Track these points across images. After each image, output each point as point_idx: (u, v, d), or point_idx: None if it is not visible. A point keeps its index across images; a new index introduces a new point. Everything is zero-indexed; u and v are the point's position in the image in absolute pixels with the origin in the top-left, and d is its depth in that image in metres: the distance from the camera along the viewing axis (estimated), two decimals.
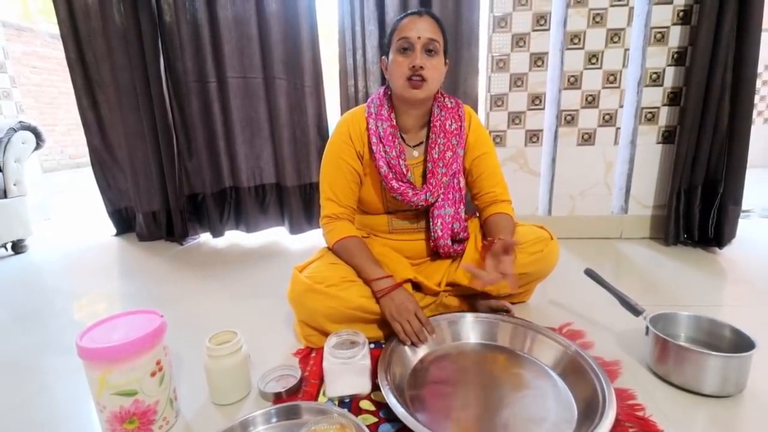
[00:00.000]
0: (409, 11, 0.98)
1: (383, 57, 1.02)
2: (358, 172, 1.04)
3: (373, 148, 1.00)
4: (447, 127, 1.02)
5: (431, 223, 1.05)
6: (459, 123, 1.04)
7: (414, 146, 1.06)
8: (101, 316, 0.72)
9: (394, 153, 1.00)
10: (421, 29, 0.92)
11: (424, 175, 1.05)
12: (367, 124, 1.02)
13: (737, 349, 0.77)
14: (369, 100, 1.06)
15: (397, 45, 0.94)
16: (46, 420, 0.78)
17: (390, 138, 1.00)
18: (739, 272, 1.44)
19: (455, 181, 1.06)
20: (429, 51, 0.93)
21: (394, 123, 1.02)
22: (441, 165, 1.02)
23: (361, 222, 1.15)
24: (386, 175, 1.00)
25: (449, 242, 1.05)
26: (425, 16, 0.94)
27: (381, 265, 0.97)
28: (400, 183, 1.01)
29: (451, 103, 1.05)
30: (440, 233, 1.04)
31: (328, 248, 1.05)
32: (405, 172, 1.00)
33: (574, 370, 0.79)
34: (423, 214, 1.09)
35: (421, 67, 0.92)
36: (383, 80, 1.74)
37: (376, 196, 1.07)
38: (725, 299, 1.27)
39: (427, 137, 1.04)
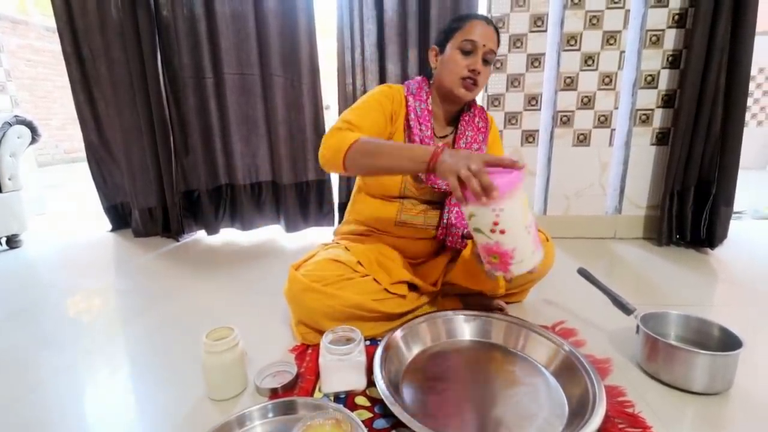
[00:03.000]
0: (475, 13, 1.00)
1: (434, 46, 1.04)
2: (389, 117, 1.02)
3: (411, 123, 1.02)
4: (476, 122, 1.08)
5: (445, 211, 1.05)
6: (485, 123, 1.09)
7: (441, 137, 1.08)
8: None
9: (428, 132, 1.02)
10: (488, 38, 0.96)
11: None
12: (407, 101, 1.04)
13: (725, 347, 0.79)
14: (406, 83, 1.08)
15: (461, 44, 0.96)
16: (41, 416, 0.78)
17: (426, 118, 1.03)
18: (729, 273, 1.46)
19: None
20: (486, 61, 0.97)
21: (430, 108, 1.05)
22: None
23: (368, 214, 1.12)
24: None
25: (460, 231, 1.06)
26: (491, 26, 0.98)
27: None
28: None
29: (480, 105, 1.12)
30: (454, 221, 1.05)
31: (344, 154, 0.86)
32: None
33: (566, 368, 0.81)
34: (433, 208, 1.08)
35: (478, 72, 0.96)
36: (381, 79, 1.74)
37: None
38: (715, 299, 1.29)
39: (456, 129, 1.08)
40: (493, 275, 0.80)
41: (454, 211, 1.05)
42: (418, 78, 1.08)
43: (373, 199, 1.11)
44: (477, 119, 1.08)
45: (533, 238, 0.75)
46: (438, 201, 1.08)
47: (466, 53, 0.96)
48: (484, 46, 0.95)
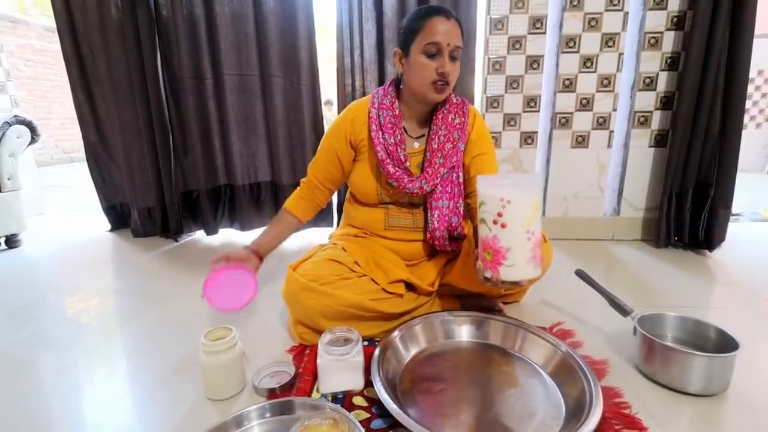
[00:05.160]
0: (433, 7, 0.96)
1: (397, 49, 0.99)
2: (340, 157, 1.07)
3: (372, 134, 1.01)
4: (450, 120, 1.03)
5: (428, 215, 1.05)
6: (462, 118, 1.04)
7: (416, 138, 1.07)
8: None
9: (392, 140, 1.00)
10: (451, 35, 0.92)
11: (422, 166, 1.06)
12: (369, 112, 1.03)
13: (722, 349, 0.79)
14: (372, 94, 1.07)
15: (424, 48, 0.92)
16: (40, 415, 0.78)
17: (389, 126, 1.00)
18: (727, 275, 1.47)
19: (454, 175, 1.06)
20: (453, 58, 0.94)
21: (397, 113, 1.02)
22: (439, 155, 1.02)
23: (357, 219, 1.14)
24: (383, 160, 1.00)
25: (445, 234, 1.05)
26: (453, 20, 0.93)
27: (273, 239, 1.11)
28: (397, 168, 1.01)
29: (457, 99, 1.07)
30: (437, 224, 1.04)
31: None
32: (403, 159, 1.01)
33: (564, 369, 0.81)
34: (419, 209, 1.09)
35: (448, 73, 0.93)
36: (380, 79, 1.75)
37: (372, 182, 1.06)
38: (713, 301, 1.29)
39: (429, 129, 1.05)
40: (482, 275, 0.80)
41: (436, 215, 1.04)
42: (386, 84, 1.06)
43: (360, 206, 1.12)
44: (451, 116, 1.03)
45: (532, 249, 0.75)
46: (419, 203, 1.08)
47: (431, 56, 0.93)
48: (448, 45, 0.91)
